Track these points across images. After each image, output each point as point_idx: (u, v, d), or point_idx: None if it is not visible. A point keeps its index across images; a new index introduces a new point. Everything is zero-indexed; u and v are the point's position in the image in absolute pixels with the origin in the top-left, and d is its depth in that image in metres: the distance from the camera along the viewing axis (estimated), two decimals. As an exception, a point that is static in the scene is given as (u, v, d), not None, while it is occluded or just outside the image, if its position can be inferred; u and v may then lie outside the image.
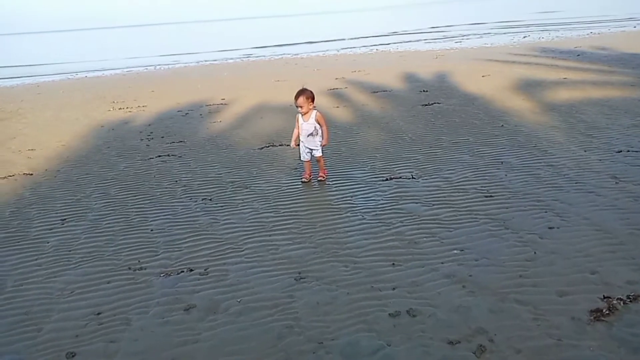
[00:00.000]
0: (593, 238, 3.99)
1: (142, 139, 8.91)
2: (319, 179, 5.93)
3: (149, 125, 10.13)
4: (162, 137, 8.93)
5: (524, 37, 26.15)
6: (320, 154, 5.86)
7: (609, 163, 5.69)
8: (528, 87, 10.80)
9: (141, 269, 4.16)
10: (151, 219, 5.21)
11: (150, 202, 5.71)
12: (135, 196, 5.96)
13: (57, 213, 5.60)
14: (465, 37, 29.88)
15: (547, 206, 4.68)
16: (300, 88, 5.73)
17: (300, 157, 5.98)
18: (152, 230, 4.93)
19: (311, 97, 5.68)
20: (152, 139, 8.90)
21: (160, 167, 7.12)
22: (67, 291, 3.89)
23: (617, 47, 17.07)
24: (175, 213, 5.33)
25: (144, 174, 6.82)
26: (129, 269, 4.18)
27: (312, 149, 5.80)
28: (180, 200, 5.72)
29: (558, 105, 8.83)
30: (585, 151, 6.20)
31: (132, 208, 5.59)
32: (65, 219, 5.40)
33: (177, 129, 9.53)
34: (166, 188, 6.18)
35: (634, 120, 7.41)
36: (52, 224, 5.28)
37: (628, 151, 6.03)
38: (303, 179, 5.94)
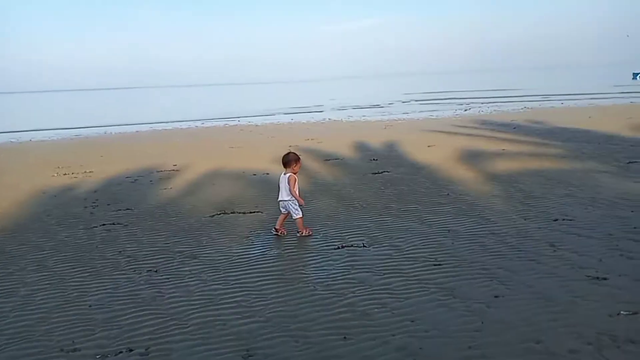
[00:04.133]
0: (536, 306, 4.10)
1: (86, 207, 8.56)
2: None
3: (95, 191, 9.80)
4: (108, 205, 8.63)
5: (466, 110, 28.08)
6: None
7: (546, 231, 6.00)
8: (470, 157, 11.45)
9: (75, 350, 3.84)
10: (90, 294, 4.89)
11: (90, 275, 5.39)
12: (74, 268, 5.61)
13: (-16, 288, 5.15)
14: (411, 110, 31.69)
15: (492, 274, 4.82)
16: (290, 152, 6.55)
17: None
18: (90, 306, 4.62)
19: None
20: (97, 206, 8.57)
21: (104, 236, 6.81)
22: (-14, 379, 3.50)
23: (548, 121, 18.64)
24: (117, 286, 5.04)
25: (85, 244, 6.48)
26: (61, 350, 3.85)
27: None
28: (124, 272, 5.44)
29: (498, 175, 9.36)
30: (524, 219, 6.53)
31: (70, 281, 5.24)
32: (-8, 295, 4.96)
33: (125, 196, 9.25)
34: (109, 259, 5.87)
35: (567, 190, 7.94)
36: (-24, 301, 4.83)
37: (563, 219, 6.40)
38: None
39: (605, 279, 4.54)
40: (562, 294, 4.31)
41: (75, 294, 4.89)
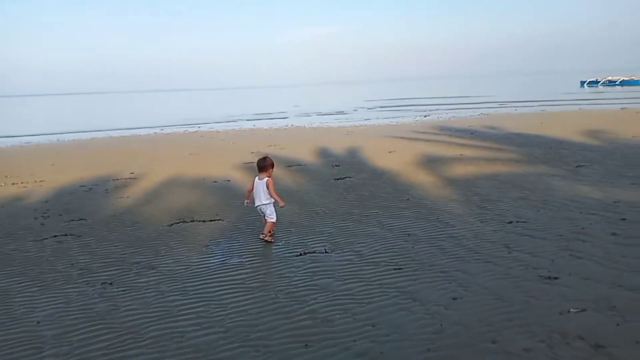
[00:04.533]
0: (492, 307, 4.21)
1: (36, 218, 8.16)
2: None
3: (46, 202, 9.36)
4: (60, 215, 8.26)
5: (425, 116, 28.73)
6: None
7: (502, 233, 6.19)
8: (430, 163, 11.70)
9: (21, 370, 3.63)
10: (39, 309, 4.65)
11: (39, 290, 5.12)
12: (21, 283, 5.32)
13: None
14: (372, 116, 32.15)
15: (450, 277, 4.92)
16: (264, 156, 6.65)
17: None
18: (38, 322, 4.38)
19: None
20: (48, 217, 8.19)
21: (55, 248, 6.51)
22: None
23: (503, 126, 19.31)
24: (68, 301, 4.81)
25: (34, 257, 6.17)
26: (6, 371, 3.63)
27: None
28: (76, 285, 5.21)
29: (456, 180, 9.61)
30: (481, 222, 6.72)
31: (16, 297, 4.96)
32: None
33: (78, 206, 8.89)
34: (60, 272, 5.61)
35: (520, 193, 8.24)
36: None
37: (517, 222, 6.63)
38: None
39: (556, 278, 4.72)
40: (517, 294, 4.44)
41: (22, 311, 4.64)
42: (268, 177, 6.34)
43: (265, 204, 6.31)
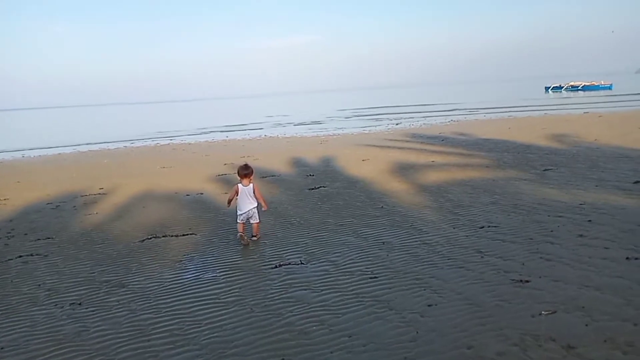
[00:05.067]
0: (466, 312, 4.27)
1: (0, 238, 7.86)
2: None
3: (11, 221, 9.03)
4: (26, 234, 7.98)
5: (397, 124, 29.12)
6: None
7: (474, 239, 6.30)
8: (402, 170, 11.84)
9: (-16, 399, 3.47)
10: (3, 334, 4.45)
11: (3, 313, 4.91)
12: (-17, 307, 5.10)
13: None
14: (345, 125, 32.38)
15: (425, 284, 4.96)
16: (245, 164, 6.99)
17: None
18: (2, 348, 4.20)
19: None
20: (13, 236, 7.90)
21: (20, 269, 6.27)
22: None
23: (473, 133, 19.75)
24: (34, 323, 4.63)
25: (-2, 279, 5.93)
26: (-33, 401, 3.46)
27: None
28: (43, 307, 5.02)
29: (428, 186, 9.74)
30: (453, 228, 6.82)
31: (-22, 322, 4.75)
32: None
33: (45, 224, 8.60)
34: (26, 294, 5.40)
35: (491, 198, 8.41)
36: None
37: (489, 227, 6.76)
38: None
39: (527, 281, 4.82)
40: (489, 298, 4.52)
41: (-15, 336, 4.44)
42: (250, 183, 6.80)
43: (253, 208, 6.79)
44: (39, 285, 5.67)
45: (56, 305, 5.06)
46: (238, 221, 6.77)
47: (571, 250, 5.61)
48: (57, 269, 6.22)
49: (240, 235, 6.69)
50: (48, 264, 6.44)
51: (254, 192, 6.77)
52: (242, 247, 6.62)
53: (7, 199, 11.10)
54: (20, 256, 6.80)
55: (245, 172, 6.78)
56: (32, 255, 6.84)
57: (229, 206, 7.14)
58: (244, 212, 6.73)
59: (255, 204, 6.79)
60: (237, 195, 6.77)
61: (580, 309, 4.16)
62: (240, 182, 6.80)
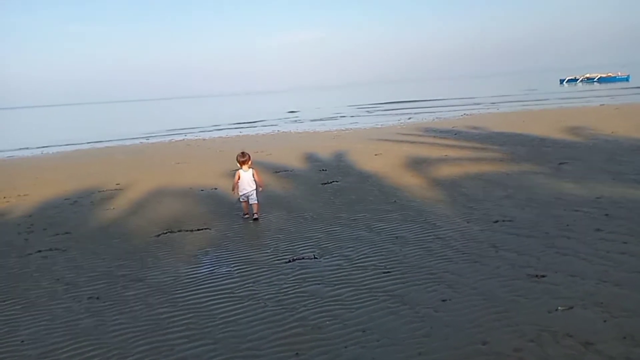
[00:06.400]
0: (481, 307, 4.24)
1: (19, 233, 8.02)
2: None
3: (30, 216, 9.21)
4: (45, 230, 8.13)
5: (409, 118, 28.92)
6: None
7: (488, 233, 6.25)
8: (415, 164, 11.77)
9: (6, 391, 3.56)
10: (23, 328, 4.56)
11: (23, 307, 5.02)
12: (4, 301, 5.21)
13: None
14: (358, 120, 32.27)
15: (439, 278, 4.94)
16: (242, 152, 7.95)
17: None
18: (22, 341, 4.29)
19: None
20: (32, 232, 8.05)
21: (40, 264, 6.40)
22: None
23: (486, 126, 19.53)
24: (53, 317, 4.73)
25: (18, 274, 6.05)
26: (-10, 393, 3.55)
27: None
28: (62, 301, 5.12)
29: (442, 180, 9.68)
30: (467, 222, 6.77)
31: None
32: None
33: (63, 219, 8.75)
34: (45, 288, 5.51)
35: (505, 192, 8.32)
36: None
37: (503, 221, 6.69)
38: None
39: (543, 276, 4.77)
40: (505, 293, 4.48)
41: (5, 330, 4.54)
42: (250, 168, 7.77)
43: (253, 189, 7.75)
44: (58, 279, 5.78)
45: (74, 299, 5.15)
46: (241, 200, 7.88)
47: (588, 244, 5.53)
48: (75, 263, 6.33)
49: (243, 212, 7.97)
50: (66, 258, 6.55)
51: (253, 176, 7.74)
52: (255, 240, 6.67)
53: (27, 194, 11.31)
54: (40, 251, 6.94)
55: (243, 159, 7.75)
56: (50, 250, 6.97)
57: (234, 192, 7.92)
58: (244, 193, 7.75)
59: (254, 187, 7.74)
60: (239, 180, 7.72)
61: (599, 305, 4.11)
62: (240, 169, 7.74)
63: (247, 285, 5.19)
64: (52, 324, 4.58)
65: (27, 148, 25.37)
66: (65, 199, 10.52)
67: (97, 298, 5.13)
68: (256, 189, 7.80)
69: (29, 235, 7.83)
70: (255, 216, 7.73)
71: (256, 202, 7.80)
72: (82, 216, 8.94)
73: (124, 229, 7.82)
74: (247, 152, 7.98)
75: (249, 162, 7.80)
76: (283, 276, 5.35)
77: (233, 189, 7.89)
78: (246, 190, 7.72)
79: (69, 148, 24.21)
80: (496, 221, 6.69)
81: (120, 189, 11.26)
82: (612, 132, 14.69)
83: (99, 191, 11.17)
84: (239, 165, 7.79)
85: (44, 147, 25.50)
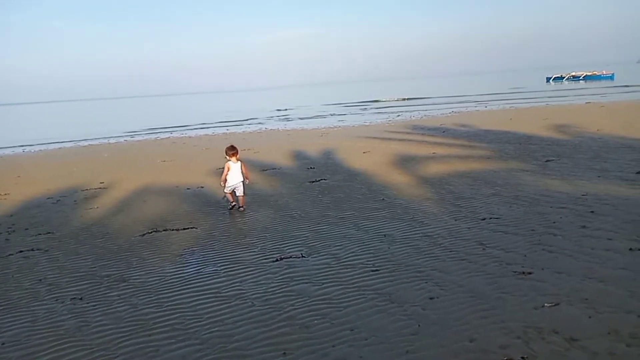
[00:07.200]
0: (468, 305, 4.24)
1: (0, 233, 7.85)
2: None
3: (11, 216, 9.02)
4: (26, 229, 7.97)
5: (398, 116, 28.99)
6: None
7: (476, 230, 6.27)
8: (403, 162, 11.78)
9: (-15, 395, 3.46)
10: (4, 330, 4.45)
11: (4, 309, 4.91)
12: (-16, 303, 5.09)
13: None
14: (346, 117, 32.26)
15: (427, 276, 4.94)
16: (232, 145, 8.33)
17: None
18: (3, 343, 4.19)
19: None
20: (14, 231, 7.89)
21: (22, 264, 6.26)
22: None
23: (474, 124, 19.65)
24: (35, 319, 4.63)
25: (-1, 275, 5.92)
26: (-32, 397, 3.45)
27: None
28: (44, 302, 5.02)
29: (430, 178, 9.70)
30: (455, 220, 6.78)
31: (-21, 318, 4.74)
32: None
33: (46, 219, 8.59)
34: (27, 289, 5.40)
35: (492, 190, 8.37)
36: None
37: (490, 218, 6.72)
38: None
39: (530, 273, 4.80)
40: (491, 290, 4.49)
41: (-14, 332, 4.43)
42: (238, 160, 8.15)
43: (242, 181, 8.14)
44: (40, 280, 5.66)
45: (57, 300, 5.05)
46: (226, 191, 8.20)
47: (574, 241, 5.57)
48: (58, 263, 6.21)
49: (230, 202, 8.25)
50: (49, 258, 6.43)
51: (241, 168, 8.14)
52: (242, 239, 6.61)
53: (8, 193, 11.08)
54: (21, 251, 6.79)
55: (233, 151, 8.16)
56: (33, 250, 6.83)
57: (223, 185, 8.19)
58: (232, 184, 8.12)
59: (242, 179, 8.13)
60: (229, 171, 8.07)
61: (584, 301, 4.14)
62: (230, 160, 8.10)
63: (233, 285, 5.13)
64: (35, 326, 4.48)
65: (9, 147, 24.89)
66: (48, 198, 10.33)
67: (81, 299, 5.03)
68: (243, 181, 8.15)
69: (10, 235, 7.67)
70: (241, 208, 8.12)
71: (243, 195, 8.16)
72: (65, 215, 8.78)
73: (108, 229, 7.69)
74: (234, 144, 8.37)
75: (238, 155, 8.16)
76: (270, 275, 5.31)
77: (223, 181, 8.16)
78: (235, 181, 8.09)
79: (52, 146, 23.82)
80: (483, 219, 6.72)
81: (104, 188, 11.10)
82: (598, 130, 14.88)
83: (83, 190, 10.99)
84: (228, 157, 8.13)
85: (26, 145, 25.05)
